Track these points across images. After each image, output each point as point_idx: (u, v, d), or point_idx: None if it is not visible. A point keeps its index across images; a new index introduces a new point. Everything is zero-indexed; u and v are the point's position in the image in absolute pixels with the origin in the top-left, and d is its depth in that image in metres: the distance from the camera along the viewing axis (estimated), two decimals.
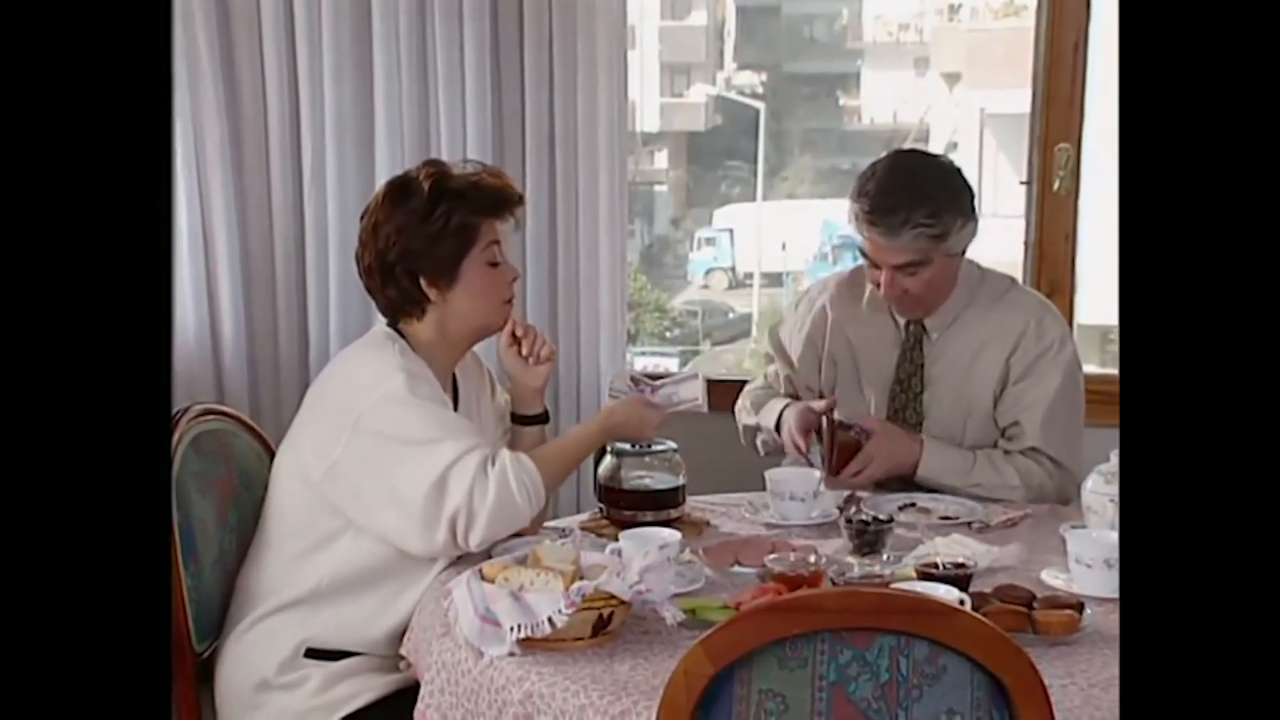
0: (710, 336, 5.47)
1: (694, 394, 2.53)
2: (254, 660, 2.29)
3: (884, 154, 2.69)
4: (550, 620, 1.81)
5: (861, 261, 2.69)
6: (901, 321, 2.72)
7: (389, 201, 2.36)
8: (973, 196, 2.62)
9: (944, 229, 2.53)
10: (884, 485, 2.65)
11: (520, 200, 2.42)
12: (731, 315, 5.68)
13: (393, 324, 2.39)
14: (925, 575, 1.99)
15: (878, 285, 2.63)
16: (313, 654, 2.29)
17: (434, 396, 2.27)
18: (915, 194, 2.53)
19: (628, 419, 2.44)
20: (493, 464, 2.19)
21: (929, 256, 2.55)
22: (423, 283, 2.33)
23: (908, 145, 2.75)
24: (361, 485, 2.23)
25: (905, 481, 2.64)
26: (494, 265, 2.37)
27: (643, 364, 4.24)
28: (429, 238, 2.31)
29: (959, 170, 2.66)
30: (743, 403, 2.93)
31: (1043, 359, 2.64)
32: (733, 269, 5.68)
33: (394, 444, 2.20)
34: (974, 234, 2.62)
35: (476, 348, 2.51)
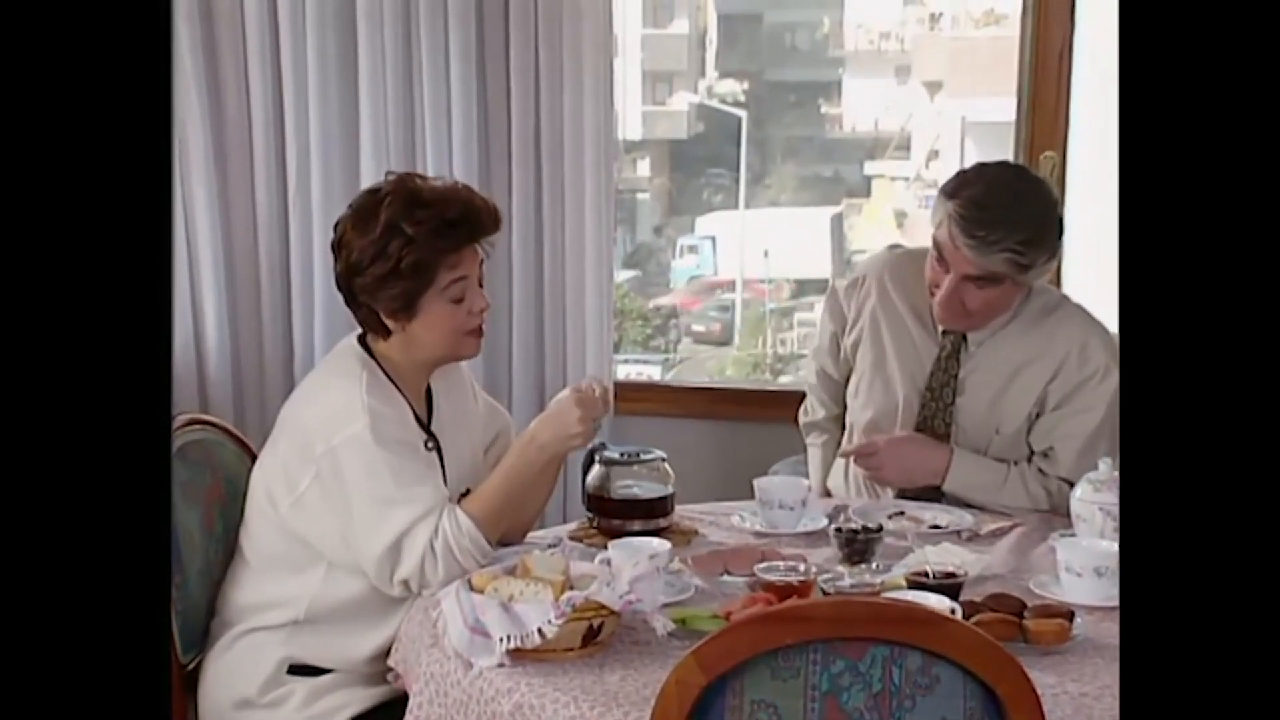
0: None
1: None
2: (236, 678, 2.27)
3: (987, 161, 2.65)
4: (540, 631, 1.81)
5: (903, 248, 2.65)
6: (939, 328, 2.67)
7: (351, 223, 2.26)
8: (1062, 233, 2.55)
9: (1031, 261, 2.47)
10: (905, 494, 2.65)
11: (494, 227, 2.30)
12: None
13: (363, 337, 2.34)
14: (915, 584, 1.99)
15: (935, 287, 2.56)
16: (295, 670, 2.27)
17: (398, 439, 2.21)
18: (1016, 217, 2.47)
19: (546, 429, 2.26)
20: (437, 535, 2.15)
21: (1003, 280, 2.51)
22: (380, 313, 2.26)
23: (1010, 159, 2.66)
24: (325, 525, 2.22)
25: (935, 490, 2.61)
26: (458, 301, 2.26)
27: (625, 371, 4.23)
28: (379, 277, 2.21)
29: (1057, 203, 2.60)
30: (803, 406, 2.95)
31: (1084, 387, 2.57)
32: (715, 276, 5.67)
33: (353, 498, 2.17)
34: (1050, 271, 2.59)
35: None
